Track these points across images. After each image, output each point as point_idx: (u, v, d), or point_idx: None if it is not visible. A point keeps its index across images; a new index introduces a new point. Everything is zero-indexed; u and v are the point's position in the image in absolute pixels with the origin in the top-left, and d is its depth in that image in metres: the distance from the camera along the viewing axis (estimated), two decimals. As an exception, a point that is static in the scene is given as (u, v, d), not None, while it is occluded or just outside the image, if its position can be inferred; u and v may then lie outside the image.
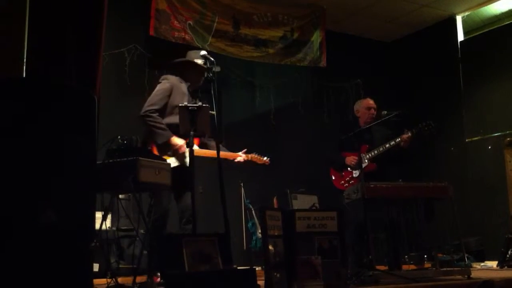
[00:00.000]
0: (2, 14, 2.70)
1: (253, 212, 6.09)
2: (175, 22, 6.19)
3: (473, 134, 7.12)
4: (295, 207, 6.14)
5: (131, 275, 3.44)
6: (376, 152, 4.67)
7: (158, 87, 4.10)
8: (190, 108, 3.45)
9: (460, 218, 4.15)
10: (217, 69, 3.99)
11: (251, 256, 5.95)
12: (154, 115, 3.96)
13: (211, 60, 3.72)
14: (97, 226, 3.22)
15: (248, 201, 6.19)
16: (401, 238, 4.25)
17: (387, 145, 4.63)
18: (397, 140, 4.60)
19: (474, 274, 3.81)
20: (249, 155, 4.32)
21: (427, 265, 5.05)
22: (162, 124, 3.95)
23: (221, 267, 2.76)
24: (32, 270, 2.06)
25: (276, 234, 3.00)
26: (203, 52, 3.98)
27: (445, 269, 3.99)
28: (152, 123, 3.94)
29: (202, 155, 4.00)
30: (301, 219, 3.18)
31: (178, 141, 3.91)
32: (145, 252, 3.80)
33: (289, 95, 7.32)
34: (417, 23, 7.71)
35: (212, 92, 3.58)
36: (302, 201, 6.34)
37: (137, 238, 3.95)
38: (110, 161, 3.22)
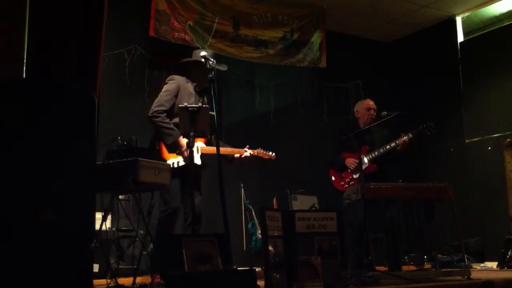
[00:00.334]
0: (2, 14, 2.70)
1: (253, 212, 6.08)
2: (175, 22, 6.19)
3: (473, 135, 7.12)
4: (295, 208, 6.15)
5: (131, 275, 3.44)
6: (376, 153, 4.67)
7: (165, 87, 4.12)
8: (190, 108, 3.46)
9: (460, 218, 4.15)
10: (223, 68, 4.01)
11: (251, 256, 5.95)
12: (161, 115, 3.99)
13: (211, 60, 3.73)
14: (97, 226, 3.22)
15: (248, 201, 6.19)
16: (401, 239, 4.25)
17: (387, 147, 4.63)
18: (397, 142, 4.60)
19: (474, 275, 3.81)
20: (255, 151, 4.29)
21: (427, 265, 5.06)
22: (170, 124, 3.97)
23: (221, 267, 2.76)
24: (32, 270, 2.06)
25: (276, 234, 3.00)
26: (203, 53, 3.99)
27: (445, 269, 3.99)
28: (160, 124, 3.97)
29: (209, 152, 4.00)
30: (301, 220, 3.18)
31: (185, 142, 3.93)
32: (144, 252, 3.80)
33: (289, 96, 7.32)
34: (417, 24, 7.71)
35: (212, 92, 3.58)
36: (302, 202, 6.34)
37: (137, 239, 3.95)
38: (110, 161, 3.22)
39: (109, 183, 3.14)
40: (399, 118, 4.31)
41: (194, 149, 3.90)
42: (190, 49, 5.33)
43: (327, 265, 3.04)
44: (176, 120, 3.95)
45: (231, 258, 2.95)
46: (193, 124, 3.44)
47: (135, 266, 3.53)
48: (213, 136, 4.09)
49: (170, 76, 4.19)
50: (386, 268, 4.36)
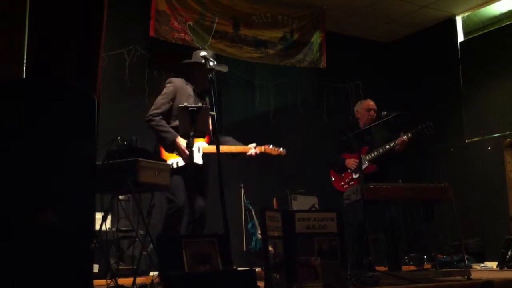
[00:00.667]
0: (2, 14, 2.70)
1: (253, 213, 6.08)
2: (175, 23, 6.19)
3: (473, 135, 7.12)
4: (295, 208, 6.15)
5: (131, 276, 3.44)
6: (375, 153, 4.67)
7: (163, 91, 4.15)
8: (190, 108, 3.46)
9: (460, 219, 4.15)
10: (224, 69, 4.00)
11: (251, 257, 5.95)
12: (157, 118, 4.01)
13: (211, 61, 3.73)
14: (97, 227, 3.22)
15: (248, 202, 6.19)
16: (401, 239, 4.25)
17: (387, 146, 4.63)
18: (396, 141, 4.60)
19: (474, 275, 3.81)
20: (262, 147, 4.23)
21: (427, 266, 5.06)
22: (165, 126, 3.99)
23: (220, 268, 2.75)
24: (32, 270, 2.06)
25: (276, 235, 3.00)
26: (203, 53, 3.99)
27: (445, 270, 4.00)
28: (155, 126, 4.00)
29: (211, 151, 3.99)
30: (301, 220, 3.18)
31: (183, 142, 3.93)
32: (144, 253, 3.80)
33: (289, 96, 7.33)
34: (417, 24, 7.71)
35: (212, 92, 3.58)
36: (302, 202, 6.34)
37: (137, 239, 3.95)
38: (110, 162, 3.22)
39: (109, 183, 3.14)
40: (399, 118, 4.31)
41: (195, 148, 3.90)
42: (190, 49, 5.34)
43: (327, 265, 3.04)
44: (176, 123, 3.96)
45: (231, 259, 2.94)
46: (193, 124, 3.44)
47: (135, 267, 3.53)
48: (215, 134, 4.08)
49: (168, 79, 4.22)
50: (386, 269, 4.36)
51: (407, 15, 7.41)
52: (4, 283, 2.02)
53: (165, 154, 3.98)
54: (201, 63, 3.96)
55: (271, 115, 7.13)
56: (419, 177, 5.76)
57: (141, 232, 4.32)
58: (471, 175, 6.95)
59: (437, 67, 7.66)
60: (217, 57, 4.02)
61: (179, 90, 4.09)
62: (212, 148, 3.97)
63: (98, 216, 3.32)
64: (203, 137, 3.97)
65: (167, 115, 4.05)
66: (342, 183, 4.79)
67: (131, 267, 4.15)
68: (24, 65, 2.71)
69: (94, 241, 3.05)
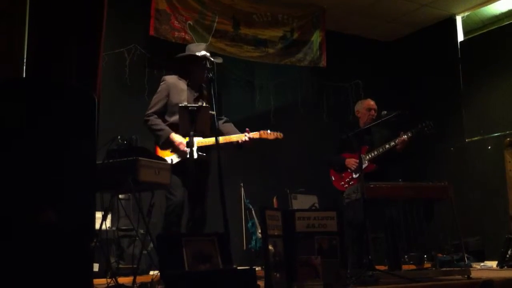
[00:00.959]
0: (2, 14, 2.70)
1: (253, 212, 6.09)
2: (175, 22, 6.19)
3: (473, 134, 7.12)
4: (295, 207, 6.15)
5: (131, 275, 3.44)
6: (375, 153, 4.67)
7: (158, 89, 4.19)
8: (190, 108, 3.46)
9: (460, 218, 4.15)
10: (219, 60, 4.00)
11: (251, 256, 5.95)
12: (151, 117, 4.06)
13: (211, 60, 3.73)
14: (97, 226, 3.22)
15: (248, 201, 6.19)
16: (401, 238, 4.25)
17: (387, 146, 4.63)
18: (396, 141, 4.60)
19: (474, 274, 3.81)
20: (258, 133, 4.13)
21: (427, 265, 5.06)
22: (159, 124, 4.02)
23: (221, 267, 2.76)
24: (32, 270, 2.07)
25: (276, 234, 3.00)
26: (203, 52, 3.98)
27: (445, 269, 4.00)
28: (150, 126, 4.05)
29: (206, 144, 3.97)
30: (301, 219, 3.18)
31: (177, 138, 3.94)
32: (144, 252, 3.80)
33: (289, 95, 7.33)
34: (417, 23, 7.71)
35: (212, 92, 3.58)
36: (302, 201, 6.34)
37: (137, 238, 3.95)
38: (110, 161, 3.22)
39: (109, 182, 3.14)
40: (399, 117, 4.31)
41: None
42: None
43: (327, 264, 3.04)
44: (172, 120, 4.00)
45: (231, 258, 2.95)
46: (193, 123, 3.44)
47: (135, 266, 3.53)
48: (220, 122, 4.06)
49: (162, 78, 4.24)
50: (386, 268, 4.36)
51: (407, 14, 7.42)
52: (4, 283, 2.02)
53: (160, 153, 3.99)
54: (194, 56, 3.97)
55: (271, 115, 7.13)
56: (419, 176, 5.74)
57: (141, 231, 4.33)
58: (471, 174, 6.95)
59: (437, 66, 7.66)
60: (212, 55, 4.01)
61: (172, 87, 4.11)
62: (206, 141, 3.96)
63: (98, 215, 3.31)
64: (203, 137, 3.97)
65: (163, 113, 4.08)
66: (342, 182, 4.79)
67: (131, 266, 4.15)
68: (24, 64, 2.71)
69: (94, 240, 3.05)
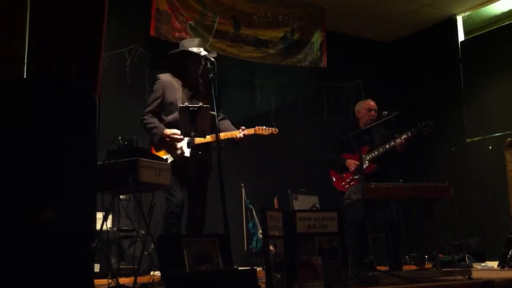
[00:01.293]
0: (2, 14, 2.71)
1: (254, 212, 6.09)
2: (176, 22, 6.19)
3: (474, 134, 7.11)
4: (296, 208, 6.15)
5: (132, 275, 3.44)
6: (376, 153, 4.67)
7: (153, 89, 4.21)
8: (190, 108, 3.46)
9: (461, 218, 4.15)
10: (213, 55, 3.99)
11: (251, 256, 5.95)
12: (146, 117, 4.08)
13: (211, 60, 3.72)
14: (98, 226, 3.22)
15: (248, 201, 6.19)
16: (401, 239, 4.25)
17: (386, 146, 4.63)
18: (396, 141, 4.60)
19: (474, 275, 3.81)
20: (253, 129, 4.11)
21: (428, 265, 5.05)
22: (153, 123, 4.04)
23: (221, 267, 2.76)
24: (33, 270, 2.07)
25: (276, 234, 3.00)
26: (203, 53, 3.98)
27: (445, 269, 3.99)
28: (144, 125, 4.07)
29: (200, 142, 3.96)
30: (302, 220, 3.18)
31: (170, 130, 3.95)
32: (145, 252, 3.80)
33: (289, 96, 7.32)
34: (418, 23, 7.71)
35: (213, 92, 3.58)
36: (303, 202, 6.34)
37: (138, 239, 3.95)
38: (111, 161, 3.21)
39: (110, 183, 3.14)
40: (399, 118, 4.31)
41: (184, 143, 3.94)
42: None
43: (327, 265, 3.04)
44: (168, 118, 4.02)
45: (231, 258, 2.95)
46: (193, 124, 3.44)
47: (136, 266, 3.53)
48: (219, 119, 4.04)
49: (156, 76, 4.25)
50: (386, 268, 4.36)
51: (407, 15, 7.41)
52: (5, 283, 2.02)
53: (154, 153, 3.97)
54: (188, 51, 3.97)
55: (271, 115, 7.13)
56: (419, 176, 5.75)
57: (142, 231, 4.32)
58: (471, 175, 6.95)
59: (438, 66, 7.66)
60: (217, 56, 4.01)
61: (166, 85, 4.12)
62: (201, 139, 3.95)
63: (99, 215, 3.31)
64: (204, 137, 3.96)
65: (159, 112, 4.09)
66: (343, 183, 4.79)
67: (132, 266, 4.15)
68: (25, 64, 2.71)
69: (95, 241, 3.05)
